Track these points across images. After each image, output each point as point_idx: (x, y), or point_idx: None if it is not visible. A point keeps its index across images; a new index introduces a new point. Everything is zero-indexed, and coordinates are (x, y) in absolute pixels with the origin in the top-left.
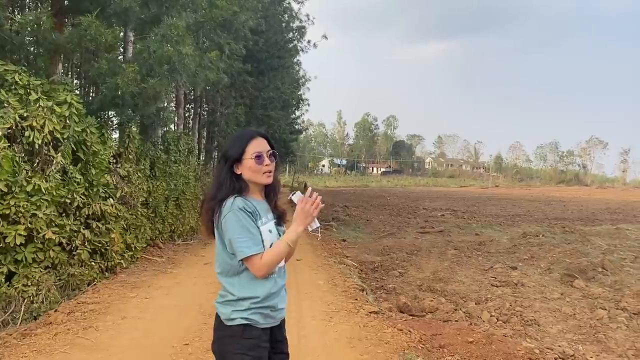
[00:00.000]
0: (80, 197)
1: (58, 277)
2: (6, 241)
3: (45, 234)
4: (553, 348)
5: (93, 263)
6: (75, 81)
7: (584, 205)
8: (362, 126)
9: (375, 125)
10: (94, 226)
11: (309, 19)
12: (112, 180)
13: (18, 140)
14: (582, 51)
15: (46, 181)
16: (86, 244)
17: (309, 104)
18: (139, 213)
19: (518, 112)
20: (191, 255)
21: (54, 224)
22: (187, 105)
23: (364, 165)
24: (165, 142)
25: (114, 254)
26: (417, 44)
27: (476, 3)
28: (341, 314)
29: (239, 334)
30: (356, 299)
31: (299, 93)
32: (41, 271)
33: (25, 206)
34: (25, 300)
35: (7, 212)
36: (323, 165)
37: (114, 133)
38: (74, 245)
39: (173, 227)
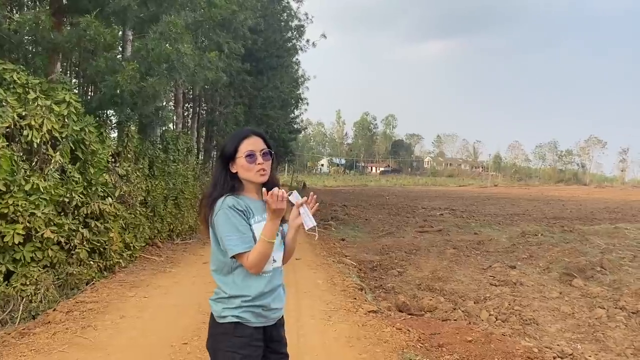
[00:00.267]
0: (79, 196)
1: (56, 276)
2: (4, 240)
3: (43, 233)
4: (552, 347)
5: (92, 262)
6: (74, 80)
7: (583, 205)
8: (361, 125)
9: (374, 124)
10: (92, 225)
11: (307, 17)
12: (111, 180)
13: (16, 139)
14: (581, 51)
15: (45, 180)
16: (85, 243)
17: (308, 103)
18: (138, 212)
19: (517, 111)
20: (190, 255)
21: (52, 223)
22: (186, 105)
23: (362, 165)
24: (164, 141)
25: (112, 253)
26: (416, 43)
27: (476, 3)
28: (340, 313)
29: (230, 331)
30: (355, 298)
31: (298, 92)
32: (40, 270)
33: (23, 205)
34: (24, 300)
35: (6, 211)
36: (322, 165)
37: (112, 132)
38: (72, 244)
39: (172, 227)
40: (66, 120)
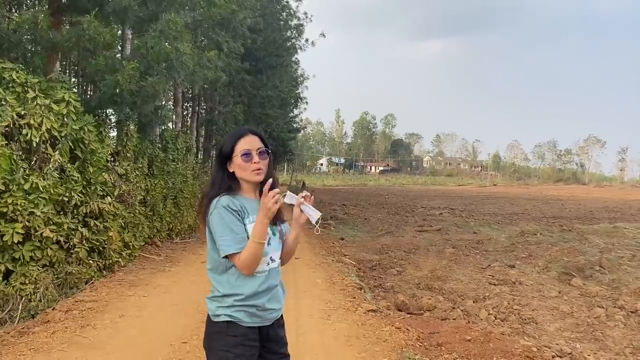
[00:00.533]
0: (78, 195)
1: (56, 275)
2: (4, 239)
3: (43, 232)
4: (551, 346)
5: (91, 261)
6: (73, 79)
7: (582, 204)
8: (360, 125)
9: (374, 124)
10: (91, 224)
11: (307, 17)
12: (110, 179)
13: (15, 139)
14: (581, 50)
15: (44, 179)
16: (84, 242)
17: (307, 103)
18: (137, 211)
19: (516, 111)
20: (189, 254)
21: (51, 222)
22: (186, 104)
23: (362, 164)
24: (164, 141)
25: (111, 252)
26: (416, 43)
27: (475, 2)
28: (339, 312)
29: (223, 330)
30: (354, 297)
31: (297, 92)
32: (39, 269)
33: (22, 204)
34: (23, 299)
35: (5, 210)
36: (321, 164)
37: (111, 131)
38: (71, 243)
39: (171, 226)
40: (65, 119)
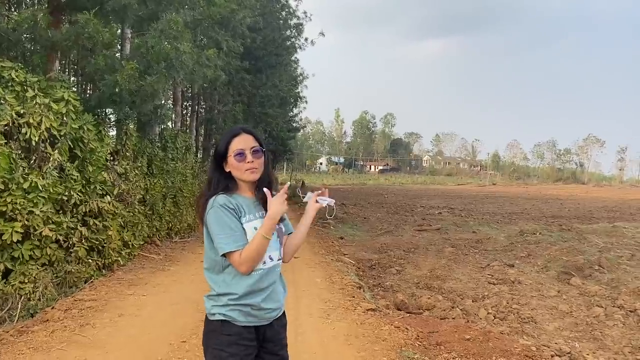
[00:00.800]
0: (77, 194)
1: (55, 275)
2: (3, 238)
3: (42, 231)
4: (550, 345)
5: (90, 260)
6: (72, 78)
7: (581, 204)
8: (360, 124)
9: (373, 123)
10: (91, 223)
11: (306, 16)
12: (110, 178)
13: (15, 137)
14: (580, 50)
15: (43, 178)
16: (83, 241)
17: (306, 102)
18: (136, 210)
19: (516, 110)
20: (188, 253)
21: (50, 221)
22: (185, 103)
23: (361, 163)
24: (163, 140)
25: (111, 252)
26: (416, 42)
27: (475, 2)
28: (338, 312)
29: (218, 329)
30: (353, 297)
31: (297, 91)
32: (38, 268)
33: (22, 203)
34: (22, 298)
35: (4, 209)
36: (321, 163)
37: (111, 130)
38: (71, 242)
39: (170, 225)
40: (65, 118)
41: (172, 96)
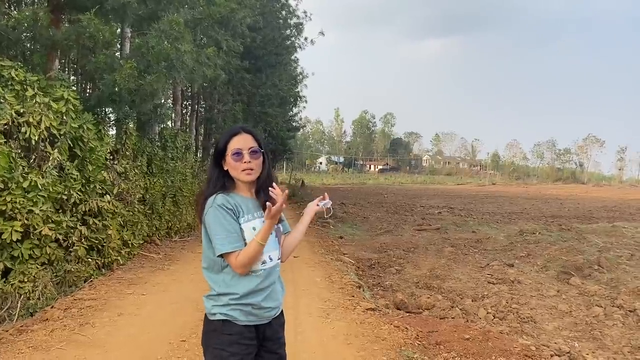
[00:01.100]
0: (77, 193)
1: (54, 274)
2: (2, 237)
3: (41, 231)
4: (549, 345)
5: (90, 259)
6: (72, 77)
7: (581, 203)
8: (359, 123)
9: (373, 122)
10: (90, 223)
11: (306, 15)
12: (109, 177)
13: (14, 136)
14: (580, 49)
15: (43, 177)
16: (83, 240)
17: (306, 101)
18: (136, 210)
19: (515, 110)
20: (188, 252)
21: (50, 221)
22: (185, 102)
23: (361, 163)
24: (163, 139)
25: (110, 251)
26: (415, 42)
27: (475, 1)
28: (338, 311)
29: (219, 329)
30: (353, 296)
31: (297, 90)
32: (38, 267)
33: (21, 202)
34: (22, 297)
35: (4, 208)
36: (320, 163)
37: (111, 129)
38: (70, 241)
39: (170, 224)
40: (64, 117)
41: (171, 95)
